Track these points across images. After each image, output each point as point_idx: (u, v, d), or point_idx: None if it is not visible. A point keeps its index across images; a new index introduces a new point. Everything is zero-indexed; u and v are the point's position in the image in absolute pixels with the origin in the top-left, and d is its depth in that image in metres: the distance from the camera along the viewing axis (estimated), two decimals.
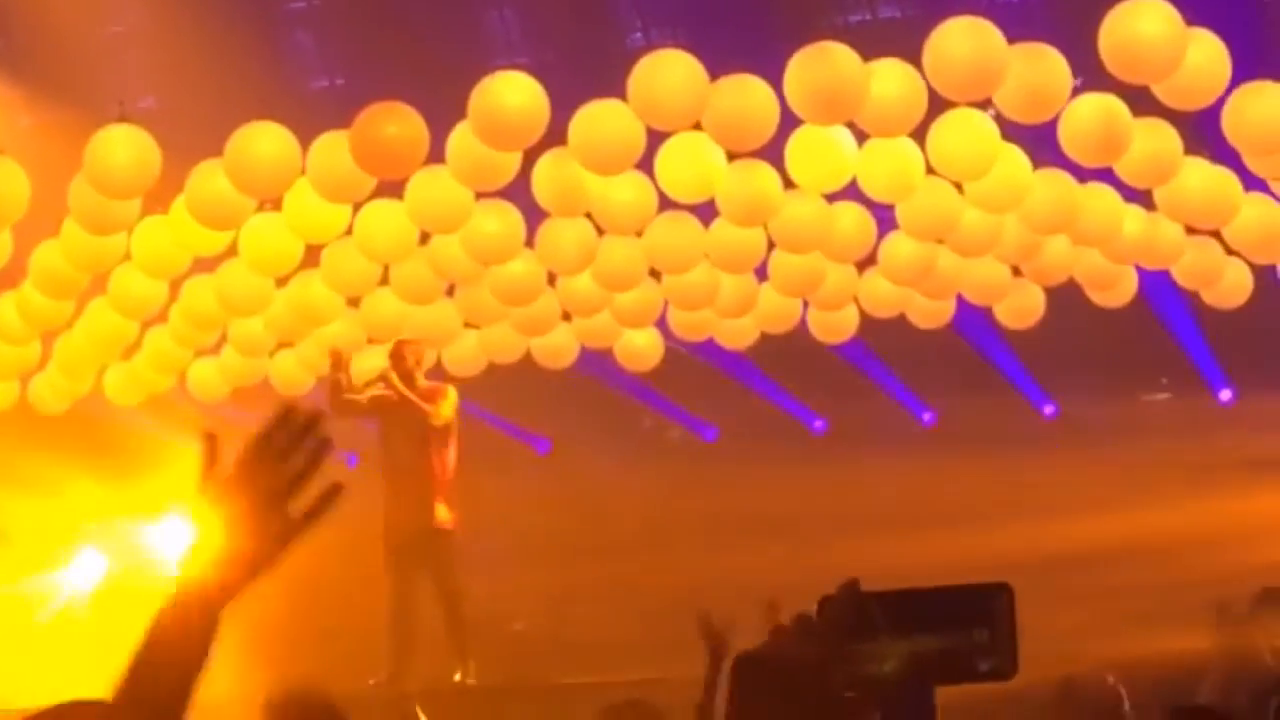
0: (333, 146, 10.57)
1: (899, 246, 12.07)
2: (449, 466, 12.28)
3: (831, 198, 11.49)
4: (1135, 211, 11.80)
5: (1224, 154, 11.10)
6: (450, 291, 12.67)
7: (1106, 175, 11.41)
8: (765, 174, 11.01)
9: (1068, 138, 10.58)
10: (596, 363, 14.27)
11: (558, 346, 13.47)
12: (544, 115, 10.41)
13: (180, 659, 2.66)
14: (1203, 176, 11.36)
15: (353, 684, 11.81)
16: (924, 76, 10.17)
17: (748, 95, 10.32)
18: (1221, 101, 10.42)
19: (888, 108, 10.30)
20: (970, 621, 3.42)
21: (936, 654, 3.36)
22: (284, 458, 2.56)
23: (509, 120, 10.34)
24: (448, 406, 12.24)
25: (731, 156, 10.80)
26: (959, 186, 11.28)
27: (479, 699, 11.63)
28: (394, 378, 12.15)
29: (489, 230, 11.47)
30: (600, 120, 10.52)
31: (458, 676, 12.10)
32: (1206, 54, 10.22)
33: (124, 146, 10.61)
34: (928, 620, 3.40)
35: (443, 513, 12.18)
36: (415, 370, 12.26)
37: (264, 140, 10.59)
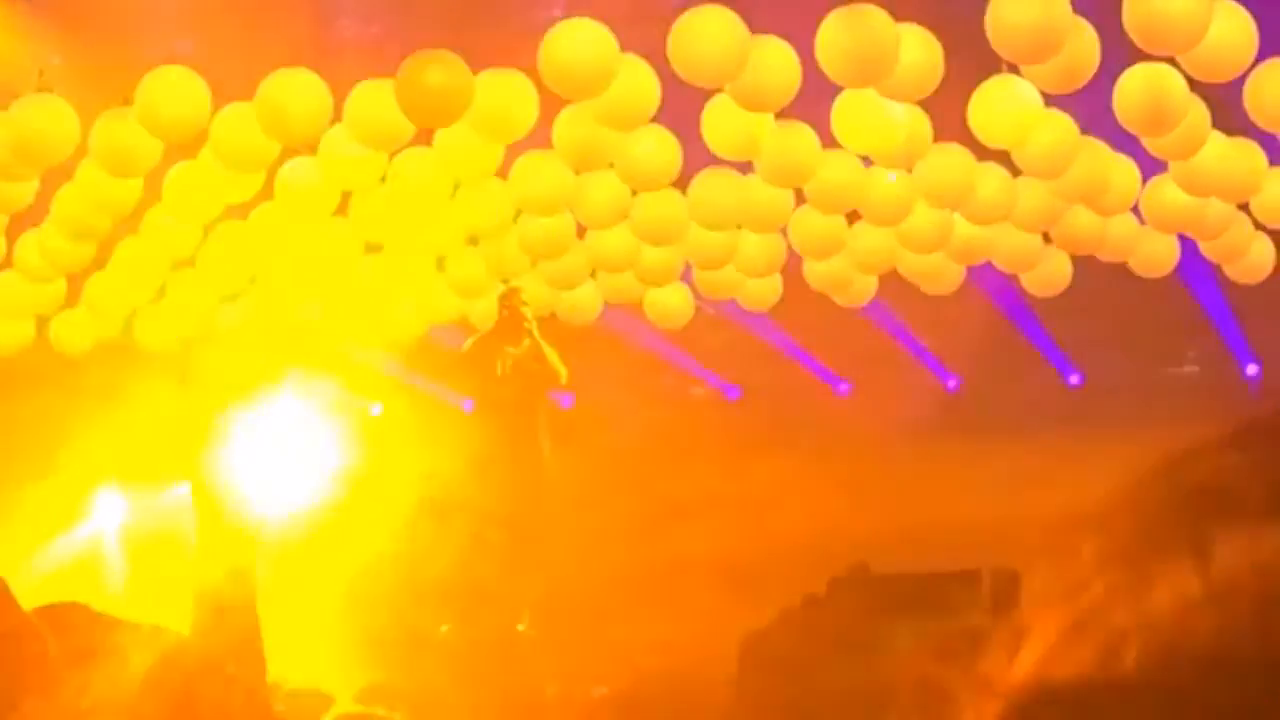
0: (372, 94, 10.56)
1: (920, 214, 12.05)
2: None
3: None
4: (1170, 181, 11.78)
5: (1247, 126, 11.04)
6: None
7: (1133, 147, 11.38)
8: (805, 135, 11.02)
9: (1120, 108, 10.52)
10: (622, 319, 14.30)
11: (583, 302, 13.50)
12: (613, 65, 10.25)
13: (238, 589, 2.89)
14: (1225, 150, 11.31)
15: (426, 631, 11.96)
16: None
17: (770, 57, 10.26)
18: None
19: (908, 72, 10.26)
20: (974, 604, 3.45)
21: (940, 636, 3.38)
22: None
23: (580, 71, 10.20)
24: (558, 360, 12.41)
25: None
26: (979, 153, 11.28)
27: (534, 650, 11.74)
28: (535, 328, 12.21)
29: (536, 181, 11.47)
30: (621, 75, 10.46)
31: (521, 627, 12.20)
32: (1233, 26, 10.16)
33: (176, 88, 10.59)
34: (932, 603, 3.42)
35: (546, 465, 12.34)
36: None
37: (295, 87, 10.59)
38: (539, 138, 11.03)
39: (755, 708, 3.72)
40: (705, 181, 11.69)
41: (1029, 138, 10.85)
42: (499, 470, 12.33)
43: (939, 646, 3.36)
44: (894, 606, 3.41)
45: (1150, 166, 11.69)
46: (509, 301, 12.37)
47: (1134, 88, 10.45)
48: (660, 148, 11.19)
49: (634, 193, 11.81)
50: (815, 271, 13.06)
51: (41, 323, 13.23)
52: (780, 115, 10.76)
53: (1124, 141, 11.29)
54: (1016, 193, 11.68)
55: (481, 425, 12.61)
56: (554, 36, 10.06)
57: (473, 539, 12.41)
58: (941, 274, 13.19)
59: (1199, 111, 10.80)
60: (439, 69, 10.18)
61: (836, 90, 10.58)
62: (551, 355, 12.38)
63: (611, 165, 11.35)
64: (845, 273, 13.11)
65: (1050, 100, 10.73)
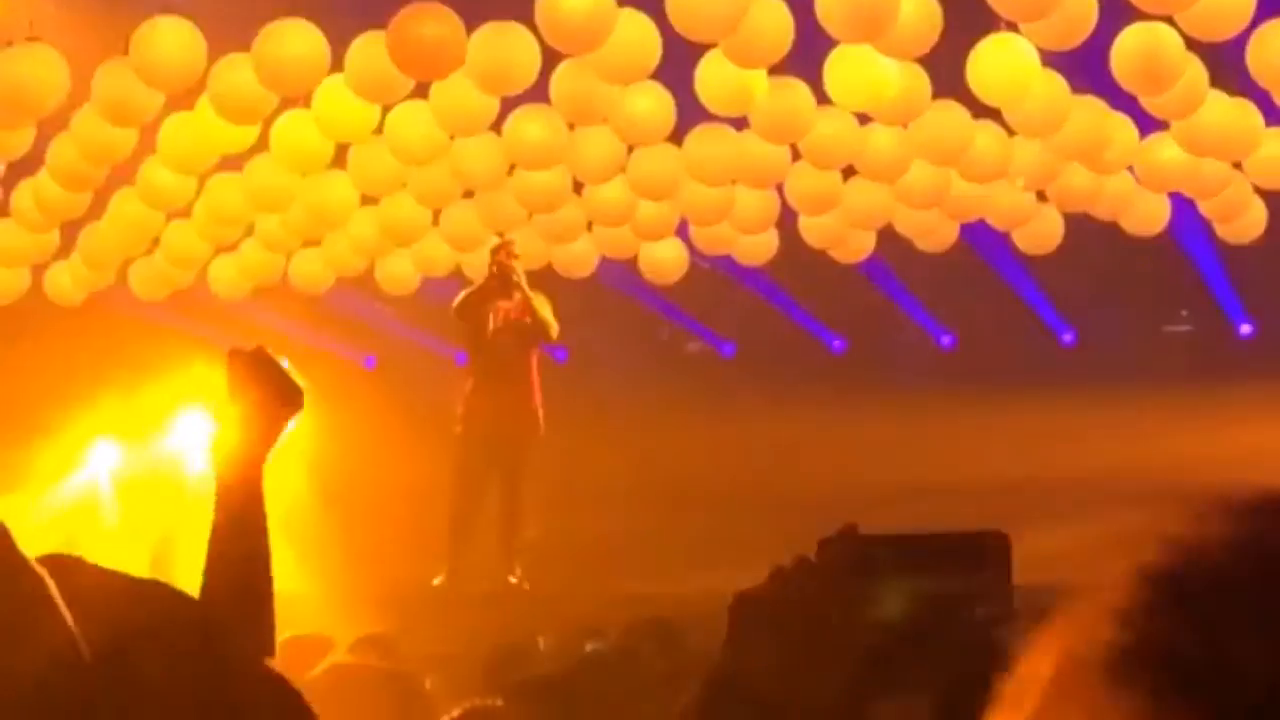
0: (371, 45, 10.53)
1: (917, 170, 12.06)
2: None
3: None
4: (1170, 139, 11.79)
5: (1248, 86, 11.03)
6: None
7: (1130, 106, 11.37)
8: (801, 92, 11.01)
9: (1117, 66, 10.51)
10: (616, 274, 14.30)
11: (579, 255, 13.50)
12: (611, 19, 10.18)
13: (245, 545, 2.99)
14: (1223, 109, 11.31)
15: (417, 585, 11.98)
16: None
17: (765, 12, 10.22)
18: (1247, 34, 10.34)
19: (907, 28, 10.23)
20: (968, 567, 3.45)
21: (934, 598, 3.39)
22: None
23: (576, 24, 10.13)
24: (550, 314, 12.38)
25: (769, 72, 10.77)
26: (975, 111, 11.28)
27: (526, 602, 11.74)
28: (523, 280, 12.18)
29: (531, 135, 11.47)
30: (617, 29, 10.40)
31: (513, 579, 12.21)
32: None
33: (171, 38, 10.55)
34: (925, 564, 3.43)
35: (539, 417, 12.33)
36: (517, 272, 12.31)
37: (292, 37, 10.55)
38: (532, 92, 11.00)
39: (747, 667, 3.71)
40: (701, 137, 11.69)
41: (1025, 96, 10.85)
42: (490, 422, 12.31)
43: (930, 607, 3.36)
44: (884, 568, 3.39)
45: (1146, 127, 11.69)
46: (499, 255, 12.35)
47: (1130, 46, 10.44)
48: (655, 103, 11.17)
49: (630, 148, 11.81)
50: (811, 227, 13.07)
51: (37, 273, 13.23)
52: (774, 71, 10.75)
53: (1123, 102, 11.29)
54: (1012, 150, 11.68)
55: (473, 378, 12.59)
56: None
57: (465, 490, 12.42)
58: (936, 231, 13.21)
59: (1197, 70, 10.80)
60: (432, 22, 10.15)
61: (831, 47, 10.57)
62: (543, 309, 12.36)
63: (605, 120, 11.33)
64: (840, 229, 13.12)
65: (1050, 60, 10.73)
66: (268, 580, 3.33)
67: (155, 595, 2.88)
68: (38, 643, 2.51)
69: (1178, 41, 10.40)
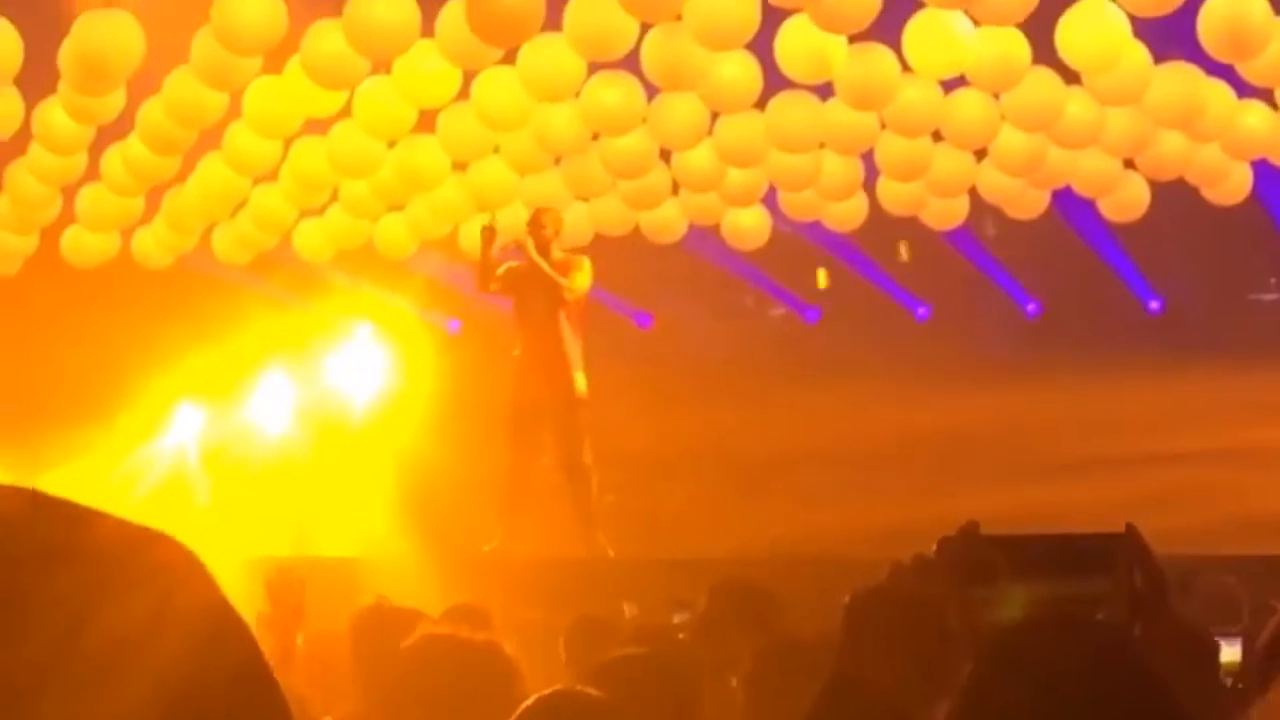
0: (460, 12, 10.51)
1: (1009, 137, 11.96)
2: (582, 337, 12.23)
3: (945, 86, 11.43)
4: (1257, 107, 11.66)
5: None
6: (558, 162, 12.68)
7: (1227, 72, 11.25)
8: (884, 58, 10.92)
9: (1203, 32, 10.41)
10: (701, 239, 14.24)
11: (666, 221, 13.46)
12: None
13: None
14: None
15: (468, 550, 11.96)
16: None
17: None
18: None
19: None
20: (1090, 569, 3.38)
21: (1052, 601, 3.32)
22: None
23: None
24: (583, 278, 12.10)
25: (851, 39, 10.71)
26: (1068, 78, 11.17)
27: (610, 569, 11.67)
28: (530, 247, 12.05)
29: (609, 101, 11.42)
30: None
31: (597, 546, 12.12)
32: None
33: (252, 3, 10.55)
34: (1046, 566, 3.36)
35: (580, 382, 12.15)
36: (553, 240, 12.12)
37: (382, 4, 10.53)
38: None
39: (865, 672, 3.67)
40: (784, 103, 11.61)
41: (1115, 63, 10.75)
42: (527, 387, 12.16)
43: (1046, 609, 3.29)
44: (1004, 570, 3.31)
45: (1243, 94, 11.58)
46: (535, 223, 12.19)
47: (1216, 13, 10.34)
48: (742, 70, 11.10)
49: (714, 115, 11.76)
50: (899, 194, 12.98)
51: (125, 236, 13.29)
52: (854, 39, 10.69)
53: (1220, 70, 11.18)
54: (1105, 118, 11.57)
55: (519, 347, 12.40)
56: None
57: (514, 456, 12.29)
58: (1024, 197, 13.11)
59: None
60: None
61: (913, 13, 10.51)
62: (579, 273, 12.08)
63: (694, 87, 11.26)
64: (922, 195, 13.05)
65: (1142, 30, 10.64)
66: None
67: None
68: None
69: (1265, 8, 10.29)
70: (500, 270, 12.18)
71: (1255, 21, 10.37)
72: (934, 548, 3.36)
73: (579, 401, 12.13)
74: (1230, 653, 5.51)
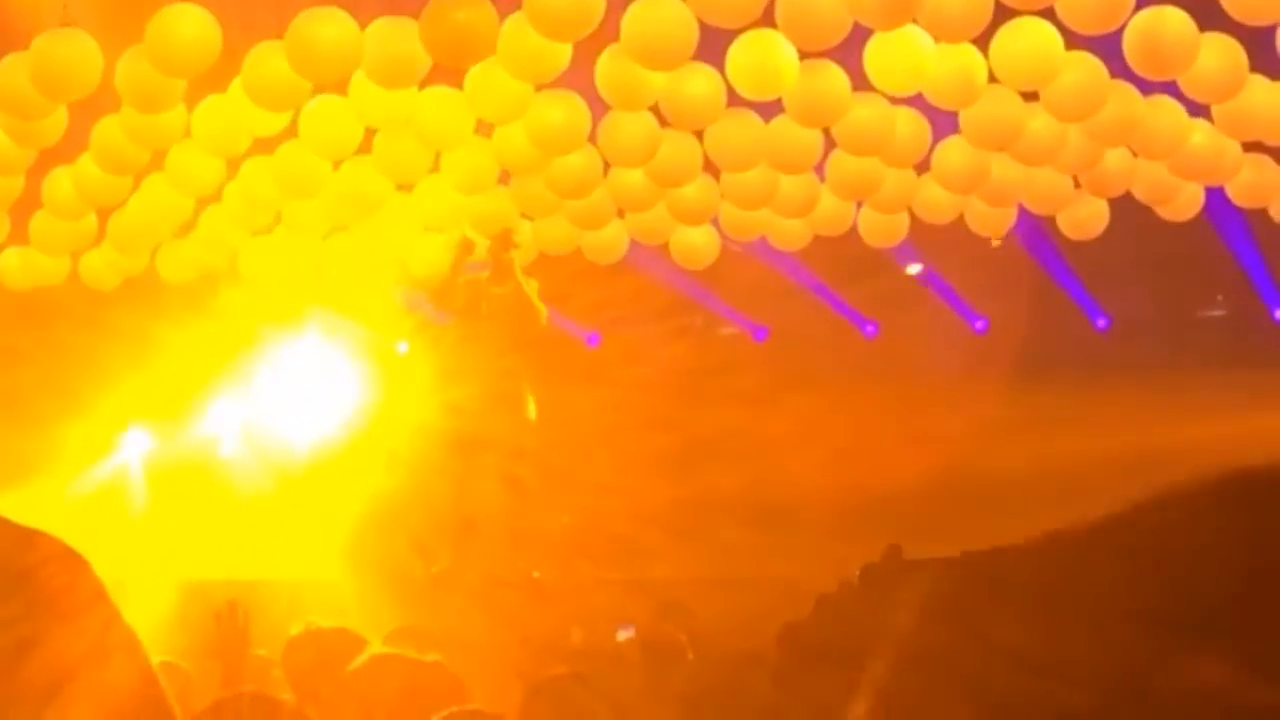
0: (387, 32, 10.51)
1: (953, 153, 11.97)
2: (532, 357, 12.24)
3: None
4: (1201, 125, 11.70)
5: None
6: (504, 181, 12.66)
7: (1171, 89, 11.31)
8: (835, 75, 10.94)
9: (1128, 49, 10.48)
10: (647, 258, 14.23)
11: (609, 241, 13.44)
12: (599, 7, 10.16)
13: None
14: (1266, 93, 11.24)
15: (450, 572, 11.93)
16: None
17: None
18: None
19: (953, 10, 10.16)
20: None
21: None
22: None
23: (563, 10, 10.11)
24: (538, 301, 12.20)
25: (802, 55, 10.70)
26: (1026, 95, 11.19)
27: (552, 592, 11.65)
28: (517, 269, 12.04)
29: (553, 120, 11.41)
30: (653, 14, 10.36)
31: (535, 573, 12.10)
32: None
33: (187, 25, 10.53)
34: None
35: (530, 404, 12.14)
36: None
37: (325, 25, 10.52)
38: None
39: (797, 699, 3.67)
40: (724, 123, 11.58)
41: (1052, 79, 10.78)
42: (489, 407, 12.15)
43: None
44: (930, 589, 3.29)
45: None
46: (499, 244, 12.18)
47: (1136, 31, 10.40)
48: (708, 86, 11.05)
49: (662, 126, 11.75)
50: (839, 213, 12.98)
51: (74, 259, 13.22)
52: (805, 57, 10.70)
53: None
54: (1066, 135, 11.57)
55: (467, 364, 12.37)
56: None
57: (459, 478, 12.29)
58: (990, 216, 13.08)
59: (1235, 53, 10.75)
60: (463, 7, 10.11)
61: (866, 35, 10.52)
62: (534, 297, 12.13)
63: (650, 105, 11.26)
64: (867, 214, 13.05)
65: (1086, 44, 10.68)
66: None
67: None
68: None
69: (1184, 24, 10.37)
70: (461, 284, 12.20)
71: (1169, 37, 10.44)
72: (857, 573, 3.36)
73: (527, 423, 12.13)
74: None
